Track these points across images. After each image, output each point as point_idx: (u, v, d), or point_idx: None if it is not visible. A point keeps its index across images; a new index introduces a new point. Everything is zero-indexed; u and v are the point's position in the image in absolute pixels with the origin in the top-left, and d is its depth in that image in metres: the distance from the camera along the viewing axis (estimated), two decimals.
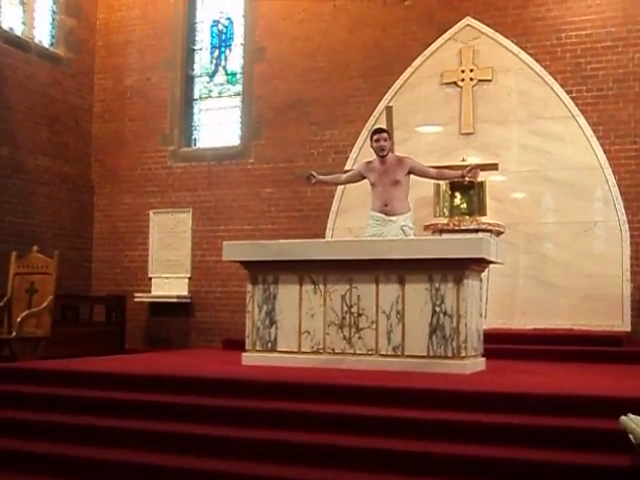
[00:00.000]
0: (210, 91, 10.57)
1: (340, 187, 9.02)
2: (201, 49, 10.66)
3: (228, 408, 4.60)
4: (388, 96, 9.18)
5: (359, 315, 5.71)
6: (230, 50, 10.51)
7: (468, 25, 8.99)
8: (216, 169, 10.05)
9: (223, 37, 10.56)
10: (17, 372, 5.74)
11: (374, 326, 5.65)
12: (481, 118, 8.84)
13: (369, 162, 6.88)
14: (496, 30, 8.88)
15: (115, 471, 4.21)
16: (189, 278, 10.01)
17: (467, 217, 8.34)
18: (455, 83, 8.98)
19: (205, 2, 10.66)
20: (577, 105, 8.52)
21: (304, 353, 5.85)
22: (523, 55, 8.76)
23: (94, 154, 10.70)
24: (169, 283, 10.07)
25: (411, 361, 5.51)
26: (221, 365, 6.11)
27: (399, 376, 5.13)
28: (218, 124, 10.40)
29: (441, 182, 8.27)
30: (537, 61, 8.71)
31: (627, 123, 8.36)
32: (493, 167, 8.36)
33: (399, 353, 5.57)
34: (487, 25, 8.92)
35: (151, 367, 5.98)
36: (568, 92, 8.57)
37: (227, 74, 10.50)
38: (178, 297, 9.92)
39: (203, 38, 10.65)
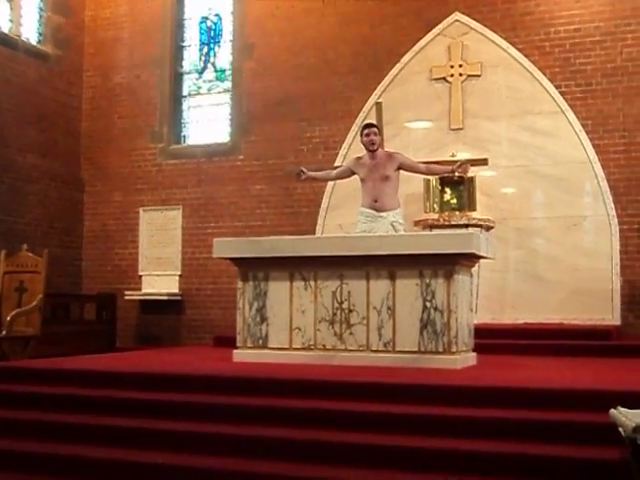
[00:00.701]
0: (199, 88, 10.54)
1: (330, 184, 9.03)
2: (190, 46, 10.63)
3: (220, 405, 4.60)
4: (377, 92, 9.18)
5: (350, 311, 5.72)
6: (219, 47, 10.49)
7: (457, 20, 9.00)
8: (206, 166, 10.03)
9: (212, 34, 10.53)
10: (7, 371, 5.71)
11: (365, 322, 5.66)
12: (470, 113, 8.86)
13: (359, 158, 6.90)
14: (485, 25, 8.90)
15: (107, 469, 4.20)
16: (179, 275, 10.00)
17: (457, 212, 8.36)
18: (444, 79, 8.99)
19: None
20: (566, 100, 8.54)
21: (295, 349, 5.85)
22: (512, 50, 8.77)
23: (83, 152, 10.65)
24: (159, 281, 10.04)
25: (402, 356, 5.51)
26: (212, 362, 6.11)
27: (390, 372, 5.12)
28: (207, 121, 10.38)
29: (431, 177, 8.30)
30: (526, 56, 8.73)
31: (616, 117, 8.39)
32: (483, 162, 8.37)
33: (390, 349, 5.57)
34: (476, 20, 8.93)
35: (142, 365, 5.97)
36: (557, 87, 8.60)
37: (216, 71, 10.48)
38: (169, 295, 9.90)
39: (192, 35, 10.62)
